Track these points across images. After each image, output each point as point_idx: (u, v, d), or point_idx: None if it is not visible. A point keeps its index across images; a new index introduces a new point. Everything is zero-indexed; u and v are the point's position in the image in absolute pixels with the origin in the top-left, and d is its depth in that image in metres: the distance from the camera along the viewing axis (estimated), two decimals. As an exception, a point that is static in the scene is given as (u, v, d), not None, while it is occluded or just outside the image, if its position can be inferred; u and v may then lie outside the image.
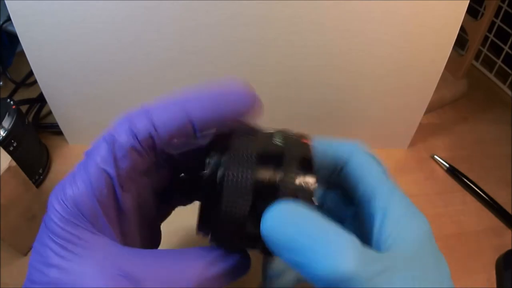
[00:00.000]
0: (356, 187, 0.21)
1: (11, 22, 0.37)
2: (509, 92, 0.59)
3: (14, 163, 0.31)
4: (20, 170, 0.32)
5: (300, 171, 0.18)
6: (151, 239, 0.23)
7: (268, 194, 0.18)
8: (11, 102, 0.38)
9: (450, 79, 0.55)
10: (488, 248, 0.40)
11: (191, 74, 0.39)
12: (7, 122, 0.36)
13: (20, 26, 0.35)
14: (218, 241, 0.19)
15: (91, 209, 0.17)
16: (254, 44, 0.37)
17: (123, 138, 0.18)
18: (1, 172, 0.30)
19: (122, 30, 0.36)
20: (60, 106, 0.42)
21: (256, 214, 0.17)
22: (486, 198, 0.44)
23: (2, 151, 0.31)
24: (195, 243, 0.35)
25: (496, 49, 0.60)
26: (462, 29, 0.43)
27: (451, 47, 0.38)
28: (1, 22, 0.50)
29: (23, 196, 0.33)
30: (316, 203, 0.18)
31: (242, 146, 0.19)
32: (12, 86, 0.51)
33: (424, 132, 0.50)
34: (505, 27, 0.56)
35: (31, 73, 0.51)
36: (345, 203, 0.24)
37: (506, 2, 0.55)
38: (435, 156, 0.48)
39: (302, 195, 0.18)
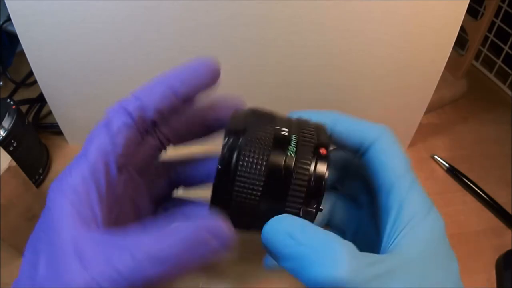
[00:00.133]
0: (377, 172, 0.21)
1: (11, 22, 0.37)
2: (509, 92, 0.59)
3: (14, 163, 0.31)
4: (20, 170, 0.32)
5: (314, 158, 0.19)
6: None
7: (280, 179, 0.18)
8: (11, 102, 0.38)
9: (450, 79, 0.55)
10: (488, 248, 0.40)
11: (191, 74, 0.39)
12: (7, 122, 0.36)
13: (20, 26, 0.35)
14: (231, 222, 0.20)
15: (90, 195, 0.18)
16: (254, 44, 0.37)
17: (117, 117, 0.19)
18: (1, 172, 0.30)
19: (122, 30, 0.36)
20: (60, 106, 0.42)
21: (268, 196, 0.18)
22: (486, 198, 0.44)
23: (2, 151, 0.31)
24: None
25: (496, 49, 0.60)
26: (462, 29, 0.43)
27: (451, 47, 0.38)
28: (1, 22, 0.50)
29: (23, 196, 0.33)
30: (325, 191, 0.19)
31: (259, 130, 0.19)
32: (12, 86, 0.51)
33: (424, 132, 0.50)
34: (505, 27, 0.56)
35: (31, 73, 0.51)
36: (363, 188, 0.24)
37: (506, 2, 0.55)
38: (435, 156, 0.48)
39: (315, 181, 0.18)
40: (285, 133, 0.19)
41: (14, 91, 0.51)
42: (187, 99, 0.21)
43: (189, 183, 0.25)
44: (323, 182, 0.19)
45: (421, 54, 0.39)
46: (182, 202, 0.25)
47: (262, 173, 0.18)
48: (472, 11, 0.53)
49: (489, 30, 0.58)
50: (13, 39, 0.51)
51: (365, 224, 0.24)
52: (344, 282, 0.15)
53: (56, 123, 0.44)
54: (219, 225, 0.17)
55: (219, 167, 0.19)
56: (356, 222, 0.25)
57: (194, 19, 0.35)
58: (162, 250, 0.16)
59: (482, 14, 0.52)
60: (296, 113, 0.22)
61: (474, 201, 0.44)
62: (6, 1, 0.33)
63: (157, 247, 0.16)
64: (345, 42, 0.37)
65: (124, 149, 0.19)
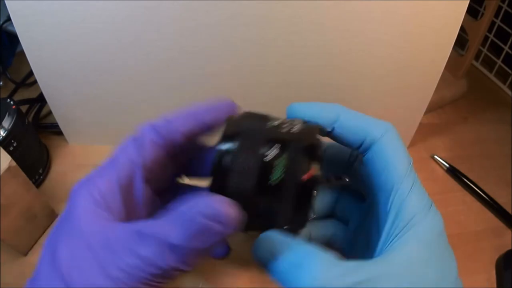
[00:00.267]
0: (379, 172, 0.21)
1: (11, 22, 0.37)
2: (509, 92, 0.59)
3: (14, 163, 0.31)
4: (20, 170, 0.32)
5: (305, 157, 0.19)
6: None
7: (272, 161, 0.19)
8: (11, 102, 0.38)
9: (450, 79, 0.55)
10: (488, 248, 0.40)
11: (191, 74, 0.39)
12: (7, 122, 0.36)
13: (20, 26, 0.35)
14: None
15: (113, 199, 0.19)
16: (254, 44, 0.37)
17: (146, 134, 0.21)
18: (1, 172, 0.30)
19: (122, 30, 0.36)
20: (60, 106, 0.42)
21: (260, 196, 0.19)
22: (486, 198, 0.44)
23: (2, 151, 0.31)
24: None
25: (496, 49, 0.60)
26: (462, 29, 0.43)
27: (451, 47, 0.38)
28: (1, 22, 0.50)
29: (23, 196, 0.33)
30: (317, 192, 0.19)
31: (251, 133, 0.20)
32: (12, 86, 0.51)
33: (424, 132, 0.50)
34: (505, 27, 0.56)
35: (31, 73, 0.51)
36: (364, 183, 0.24)
37: (506, 2, 0.55)
38: (435, 156, 0.48)
39: (309, 183, 0.19)
40: (269, 158, 0.19)
41: (14, 91, 0.51)
42: (209, 130, 0.23)
43: (192, 173, 0.25)
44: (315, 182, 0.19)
45: (421, 54, 0.39)
46: (183, 188, 0.26)
47: (253, 173, 0.19)
48: (472, 11, 0.53)
49: (489, 30, 0.58)
50: (13, 39, 0.51)
51: (367, 218, 0.24)
52: None
53: (56, 123, 0.44)
54: (226, 211, 0.17)
55: (213, 171, 0.19)
56: (359, 215, 0.25)
57: (194, 19, 0.35)
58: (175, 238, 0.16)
59: (482, 14, 0.52)
60: (299, 106, 0.22)
61: (474, 201, 0.44)
62: (6, 1, 0.33)
63: (171, 235, 0.16)
64: (345, 42, 0.37)
65: (152, 164, 0.20)
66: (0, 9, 0.48)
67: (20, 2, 0.33)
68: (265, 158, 0.19)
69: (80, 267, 0.17)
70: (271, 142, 0.19)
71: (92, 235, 0.17)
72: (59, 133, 0.45)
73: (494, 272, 0.38)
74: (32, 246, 0.36)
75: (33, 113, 0.48)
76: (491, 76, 0.62)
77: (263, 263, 0.19)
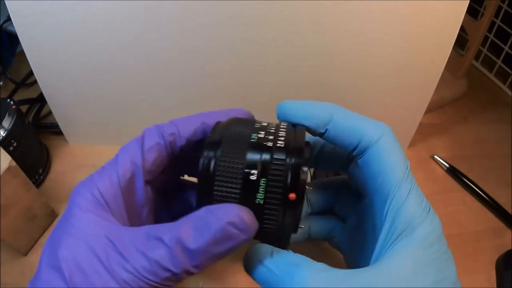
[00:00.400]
0: (375, 177, 0.20)
1: (11, 22, 0.36)
2: (509, 92, 0.59)
3: (14, 163, 0.31)
4: (20, 170, 0.32)
5: (291, 160, 0.19)
6: None
7: (256, 181, 0.19)
8: (11, 102, 0.38)
9: (450, 79, 0.55)
10: (488, 248, 0.40)
11: (191, 74, 0.39)
12: (7, 122, 0.36)
13: (20, 26, 0.35)
14: None
15: (114, 199, 0.19)
16: (254, 44, 0.37)
17: (151, 135, 0.21)
18: (1, 172, 0.30)
19: (122, 30, 0.36)
20: (60, 106, 0.42)
21: (246, 200, 0.19)
22: (486, 198, 0.44)
23: (2, 151, 0.31)
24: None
25: (496, 49, 0.60)
26: (462, 29, 0.43)
27: (451, 47, 0.38)
28: (1, 22, 0.50)
29: (23, 196, 0.33)
30: (307, 189, 0.19)
31: (236, 138, 0.20)
32: (12, 86, 0.51)
33: (424, 132, 0.50)
34: (505, 27, 0.56)
35: (31, 73, 0.51)
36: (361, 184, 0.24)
37: (506, 2, 0.55)
38: (435, 156, 0.48)
39: (294, 202, 0.18)
40: (254, 177, 0.19)
41: (14, 91, 0.51)
42: None
43: (195, 173, 0.25)
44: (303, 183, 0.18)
45: (421, 54, 0.39)
46: (185, 188, 0.26)
47: (238, 178, 0.19)
48: (472, 11, 0.53)
49: (489, 30, 0.58)
50: (13, 39, 0.51)
51: (364, 218, 0.23)
52: None
53: (56, 123, 0.44)
54: (245, 218, 0.17)
55: (199, 176, 0.19)
56: (357, 213, 0.25)
57: (194, 19, 0.35)
58: (195, 243, 0.17)
59: (482, 14, 0.52)
60: (290, 104, 0.22)
61: (474, 201, 0.44)
62: (6, 1, 0.33)
63: (191, 241, 0.17)
64: (345, 42, 0.37)
65: (152, 166, 0.21)
66: (0, 9, 0.48)
67: (20, 2, 0.33)
68: (251, 177, 0.19)
69: (81, 268, 0.17)
70: (255, 149, 0.19)
71: (93, 236, 0.17)
72: (59, 133, 0.45)
73: (494, 272, 0.38)
74: (32, 246, 0.36)
75: (33, 113, 0.48)
76: (491, 76, 0.62)
77: (253, 273, 0.19)
